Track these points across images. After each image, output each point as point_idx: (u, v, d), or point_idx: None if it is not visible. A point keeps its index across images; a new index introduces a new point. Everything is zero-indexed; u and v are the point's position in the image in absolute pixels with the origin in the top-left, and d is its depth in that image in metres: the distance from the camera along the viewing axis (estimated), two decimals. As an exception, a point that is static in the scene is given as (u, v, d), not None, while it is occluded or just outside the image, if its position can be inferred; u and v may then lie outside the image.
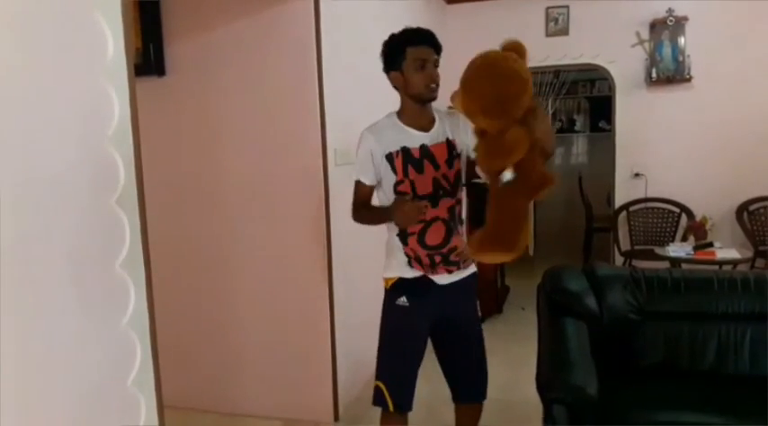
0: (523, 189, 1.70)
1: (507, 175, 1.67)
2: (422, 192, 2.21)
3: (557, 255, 6.09)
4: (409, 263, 2.29)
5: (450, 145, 2.25)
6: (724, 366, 2.70)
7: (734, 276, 2.93)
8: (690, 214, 5.18)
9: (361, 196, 2.30)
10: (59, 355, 1.38)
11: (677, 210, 5.30)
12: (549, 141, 1.74)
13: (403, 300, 2.29)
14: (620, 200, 5.52)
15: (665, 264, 4.21)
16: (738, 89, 5.10)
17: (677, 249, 4.51)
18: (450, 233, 2.26)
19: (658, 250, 4.67)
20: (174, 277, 3.01)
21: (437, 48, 2.22)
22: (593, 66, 5.63)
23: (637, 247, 5.41)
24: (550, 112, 7.76)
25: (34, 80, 1.30)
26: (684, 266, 4.20)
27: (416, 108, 2.24)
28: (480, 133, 1.72)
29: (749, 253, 4.60)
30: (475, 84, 1.67)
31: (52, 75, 1.35)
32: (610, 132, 5.97)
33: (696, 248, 4.43)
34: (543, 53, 5.37)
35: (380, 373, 2.35)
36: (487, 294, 4.93)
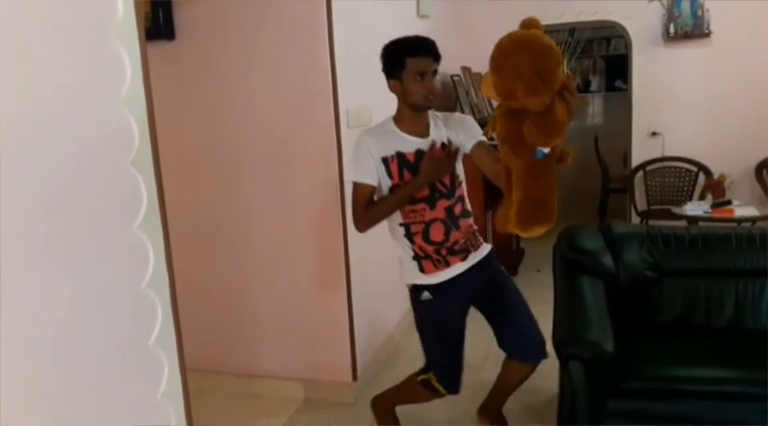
0: (552, 160, 1.74)
1: (544, 150, 1.69)
2: (419, 196, 2.26)
3: (572, 217, 6.01)
4: (420, 268, 2.34)
5: (445, 148, 2.28)
6: (742, 321, 2.70)
7: (752, 232, 2.91)
8: (707, 172, 5.12)
9: (363, 197, 2.28)
10: (81, 315, 1.40)
11: (695, 169, 5.24)
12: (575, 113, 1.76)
13: (426, 295, 2.35)
14: (636, 160, 5.46)
15: (683, 224, 4.18)
16: (758, 43, 4.97)
17: (695, 207, 4.47)
18: (449, 230, 2.31)
19: (675, 209, 4.63)
20: (191, 241, 3.03)
21: (436, 57, 2.23)
22: (608, 23, 5.52)
23: (653, 207, 5.36)
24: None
25: (45, 44, 1.30)
26: (702, 224, 4.16)
27: (413, 114, 2.28)
28: (515, 114, 1.68)
29: (768, 211, 4.55)
30: (511, 64, 1.63)
31: (63, 38, 1.34)
32: (626, 92, 5.87)
33: (714, 206, 4.39)
34: (557, 10, 5.26)
35: (429, 365, 2.46)
36: (502, 257, 4.89)
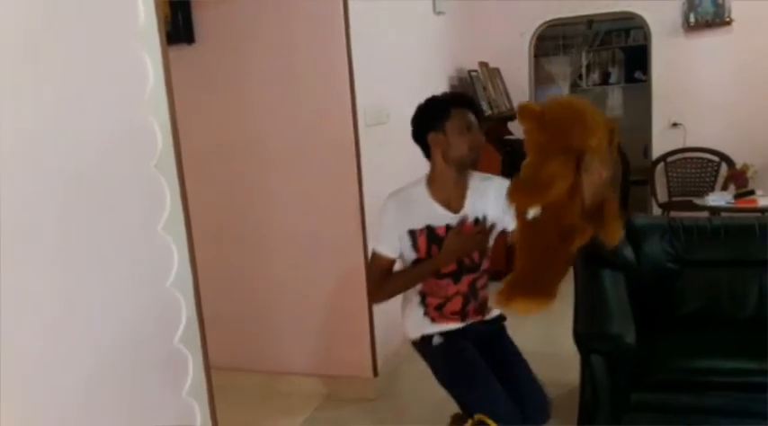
0: (552, 231, 1.55)
1: (531, 212, 1.53)
2: (444, 270, 2.08)
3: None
4: (431, 320, 2.16)
5: (478, 223, 2.08)
6: (765, 312, 2.66)
7: (776, 222, 2.87)
8: (730, 162, 5.05)
9: (380, 269, 2.10)
10: (108, 315, 1.44)
11: (716, 159, 5.18)
12: (593, 195, 1.51)
13: (437, 339, 2.13)
14: (657, 152, 5.40)
15: (705, 215, 4.13)
16: (780, 31, 4.89)
17: (717, 198, 4.42)
18: (467, 302, 2.14)
19: (697, 200, 4.58)
20: (213, 241, 3.08)
21: (480, 115, 2.12)
22: (627, 14, 5.46)
23: (675, 198, 5.31)
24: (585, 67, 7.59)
25: (69, 50, 1.33)
26: (724, 215, 4.12)
27: (451, 175, 2.07)
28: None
29: (793, 200, 4.48)
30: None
31: (86, 44, 1.38)
32: (645, 83, 5.81)
33: (737, 196, 4.33)
34: (575, 3, 5.22)
35: (471, 410, 2.01)
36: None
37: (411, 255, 2.09)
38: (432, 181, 2.10)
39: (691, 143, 5.26)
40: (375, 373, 3.13)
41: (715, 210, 4.25)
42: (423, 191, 2.09)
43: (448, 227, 2.05)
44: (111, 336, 1.44)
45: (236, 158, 3.15)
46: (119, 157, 1.46)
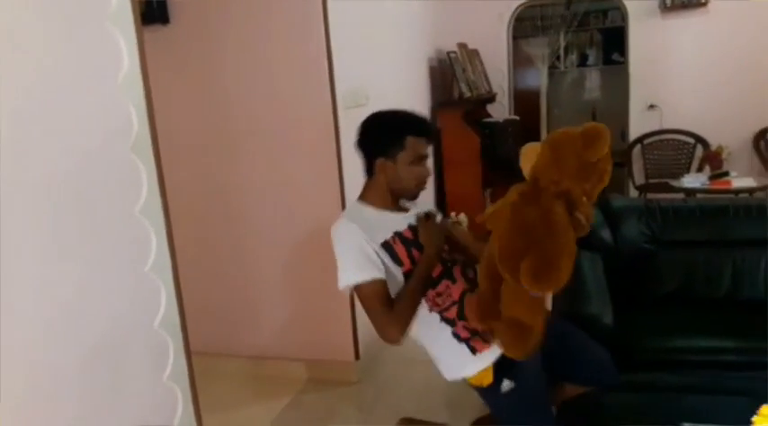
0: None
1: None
2: (435, 274, 1.92)
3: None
4: (472, 350, 1.87)
5: (428, 215, 2.03)
6: (740, 292, 2.72)
7: (749, 203, 2.92)
8: (705, 144, 5.12)
9: (379, 296, 1.82)
10: (87, 300, 1.42)
11: (692, 141, 5.24)
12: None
13: (506, 384, 1.86)
14: (634, 134, 5.46)
15: (681, 197, 4.20)
16: (755, 12, 4.94)
17: (692, 180, 4.48)
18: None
19: (673, 182, 4.64)
20: (193, 226, 3.04)
21: (432, 139, 2.02)
22: (605, -5, 5.48)
23: (651, 180, 5.38)
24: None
25: (40, 30, 1.30)
26: (700, 196, 4.18)
27: (390, 196, 1.98)
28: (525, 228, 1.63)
29: (766, 181, 4.56)
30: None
31: (58, 24, 1.34)
32: (623, 65, 5.84)
33: (711, 178, 4.40)
34: (553, -16, 5.21)
35: None
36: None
37: (397, 273, 1.89)
38: (371, 201, 1.98)
39: (667, 125, 5.31)
40: (357, 356, 3.13)
41: (690, 192, 4.31)
42: (369, 209, 1.96)
43: (410, 227, 1.96)
44: (90, 321, 1.42)
45: (213, 141, 3.11)
46: (94, 140, 1.43)
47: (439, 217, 2.09)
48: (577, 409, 2.43)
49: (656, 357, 2.37)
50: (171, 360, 1.69)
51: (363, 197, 2.02)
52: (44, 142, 1.30)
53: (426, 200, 4.66)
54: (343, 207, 2.98)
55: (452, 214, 4.63)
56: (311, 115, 2.93)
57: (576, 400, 2.36)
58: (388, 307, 1.81)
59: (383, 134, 1.93)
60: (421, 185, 1.97)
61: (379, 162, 1.92)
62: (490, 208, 1.78)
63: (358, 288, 1.84)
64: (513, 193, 1.71)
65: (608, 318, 2.35)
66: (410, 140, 1.89)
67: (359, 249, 1.84)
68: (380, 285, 1.82)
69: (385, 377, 3.13)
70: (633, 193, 5.38)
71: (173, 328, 1.71)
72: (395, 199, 2.00)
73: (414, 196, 2.01)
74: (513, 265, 1.58)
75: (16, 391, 1.24)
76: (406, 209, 2.03)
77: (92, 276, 1.43)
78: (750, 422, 1.36)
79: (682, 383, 2.33)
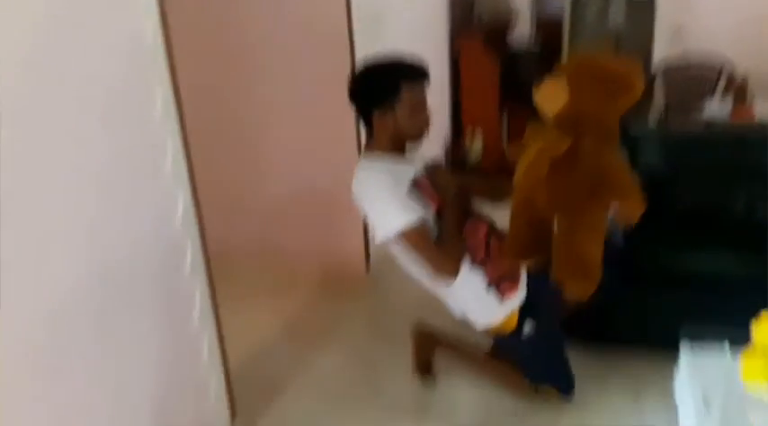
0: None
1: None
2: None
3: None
4: (501, 295, 1.91)
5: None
6: (751, 218, 2.72)
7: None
8: (731, 73, 4.99)
9: (428, 235, 1.80)
10: (110, 205, 1.47)
11: (717, 70, 5.10)
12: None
13: (528, 328, 1.93)
14: (657, 62, 5.32)
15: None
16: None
17: (714, 109, 4.40)
18: (489, 235, 1.97)
19: (695, 111, 4.56)
20: (211, 129, 3.04)
21: (429, 80, 1.88)
22: None
23: (672, 110, 5.28)
24: None
25: None
26: (720, 124, 4.11)
27: (395, 145, 1.88)
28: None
29: (790, 111, 4.46)
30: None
31: None
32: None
33: (734, 107, 4.31)
34: None
35: (541, 381, 2.07)
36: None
37: (429, 216, 1.83)
38: (379, 150, 1.90)
39: (692, 55, 5.17)
40: (367, 269, 3.21)
41: (711, 121, 4.24)
42: (381, 162, 1.87)
43: (424, 173, 1.93)
44: (109, 222, 1.47)
45: (230, 45, 3.08)
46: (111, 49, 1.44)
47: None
48: (584, 319, 2.51)
49: (662, 272, 2.42)
50: (189, 258, 1.76)
51: (370, 150, 1.90)
52: (66, 50, 1.31)
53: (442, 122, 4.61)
54: (358, 124, 2.98)
55: (468, 130, 4.62)
56: (327, 30, 2.89)
57: (582, 312, 2.43)
58: (439, 245, 1.79)
59: (376, 84, 1.82)
60: (423, 132, 1.88)
61: (376, 115, 1.82)
62: (521, 159, 1.80)
63: (407, 232, 1.74)
64: (541, 142, 1.72)
65: (617, 235, 2.38)
66: (405, 88, 1.79)
67: (398, 194, 1.77)
68: (426, 225, 1.79)
69: (394, 289, 3.21)
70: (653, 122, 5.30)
71: (190, 229, 1.77)
72: (401, 146, 1.90)
73: (419, 140, 1.91)
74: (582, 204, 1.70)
75: (45, 288, 1.30)
76: (408, 159, 1.95)
77: (109, 177, 1.47)
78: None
79: (686, 298, 2.39)
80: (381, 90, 1.80)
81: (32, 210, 1.26)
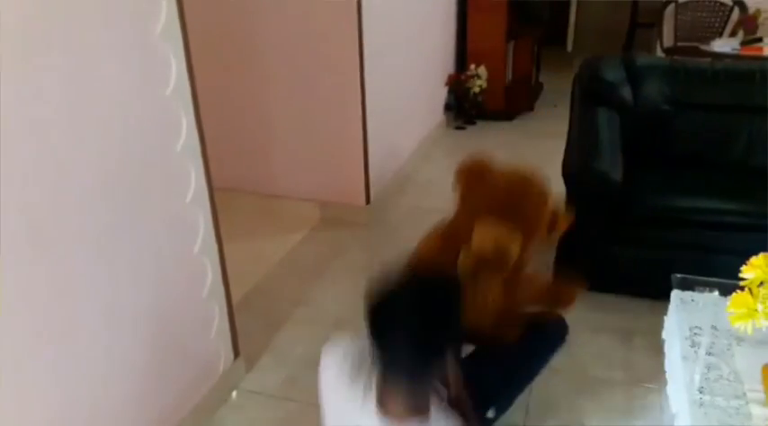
0: None
1: None
2: None
3: (596, 52, 5.88)
4: None
5: None
6: (752, 158, 2.72)
7: (775, 70, 2.83)
8: (743, 6, 4.86)
9: None
10: (109, 118, 1.46)
11: (730, 3, 4.97)
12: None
13: (492, 413, 1.64)
14: (669, -8, 5.17)
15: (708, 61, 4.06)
16: None
17: (723, 44, 4.31)
18: None
19: (703, 46, 4.47)
20: (215, 63, 3.00)
21: None
22: None
23: (681, 44, 5.17)
24: None
25: None
26: (728, 60, 4.04)
27: None
28: None
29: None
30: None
31: None
32: None
33: (743, 43, 4.23)
34: None
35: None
36: (520, 91, 4.88)
37: None
38: None
39: (706, -15, 5.02)
40: (368, 200, 3.24)
41: (719, 57, 4.17)
42: None
43: None
44: (113, 140, 1.47)
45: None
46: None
47: None
48: (579, 259, 2.56)
49: (659, 214, 2.43)
50: (193, 185, 1.77)
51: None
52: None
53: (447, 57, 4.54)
54: (361, 55, 2.92)
55: (472, 66, 4.56)
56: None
57: (575, 252, 2.48)
58: None
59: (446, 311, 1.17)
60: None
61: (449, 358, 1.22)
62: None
63: None
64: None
65: (617, 175, 2.39)
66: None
67: None
68: None
69: (394, 222, 3.25)
70: (661, 56, 5.20)
71: (193, 154, 1.76)
72: None
73: None
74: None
75: (46, 201, 1.32)
76: None
77: (110, 95, 1.45)
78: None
79: (682, 240, 2.43)
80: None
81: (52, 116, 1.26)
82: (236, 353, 2.12)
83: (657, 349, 1.81)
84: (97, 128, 1.41)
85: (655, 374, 1.96)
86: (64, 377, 1.40)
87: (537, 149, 4.15)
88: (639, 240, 2.48)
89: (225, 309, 2.02)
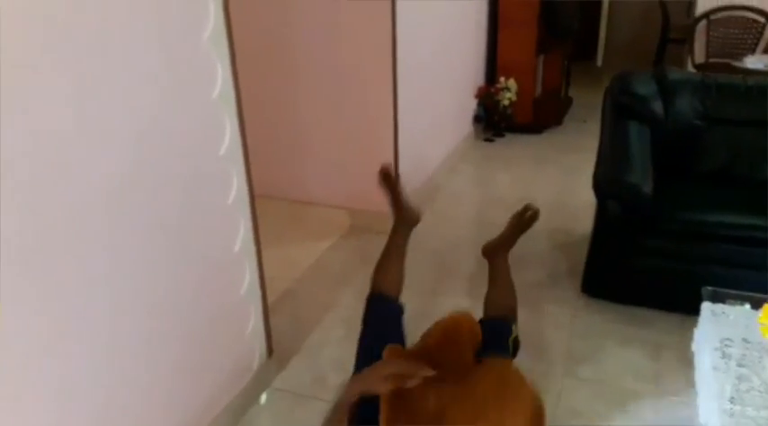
0: None
1: None
2: None
3: (626, 67, 5.87)
4: None
5: None
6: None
7: (808, 88, 2.82)
8: (777, 24, 4.84)
9: None
10: (151, 120, 1.51)
11: (763, 20, 4.95)
12: None
13: None
14: (702, 7, 5.16)
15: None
16: None
17: (755, 61, 4.30)
18: None
19: (735, 62, 4.46)
20: (253, 69, 3.06)
21: None
22: None
23: (712, 60, 5.15)
24: None
25: None
26: (761, 77, 4.03)
27: None
28: None
29: (834, 68, 4.35)
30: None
31: None
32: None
33: (777, 60, 4.21)
34: None
35: None
36: (549, 104, 4.91)
37: None
38: None
39: (738, 0, 5.00)
40: (395, 208, 3.27)
41: (751, 73, 4.15)
42: None
43: None
44: (161, 141, 1.53)
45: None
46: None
47: None
48: (604, 271, 2.57)
49: (688, 228, 2.44)
50: (235, 187, 1.83)
51: None
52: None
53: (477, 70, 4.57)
54: (394, 66, 2.98)
55: (502, 79, 4.60)
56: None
57: (604, 264, 2.49)
58: None
59: None
60: None
61: None
62: None
63: None
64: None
65: (647, 188, 2.41)
66: None
67: None
68: None
69: (421, 231, 3.28)
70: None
71: (236, 157, 1.82)
72: None
73: None
74: None
75: (98, 193, 1.38)
76: None
77: (155, 97, 1.50)
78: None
79: (709, 254, 2.44)
80: None
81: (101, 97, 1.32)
82: (270, 351, 2.18)
83: (686, 363, 1.82)
84: (148, 127, 1.48)
85: (683, 387, 1.98)
86: (106, 370, 1.46)
87: (564, 163, 4.18)
88: (668, 253, 2.49)
89: (260, 308, 2.07)
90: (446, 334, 1.54)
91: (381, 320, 1.79)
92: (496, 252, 2.20)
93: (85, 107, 1.28)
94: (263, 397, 2.13)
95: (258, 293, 2.05)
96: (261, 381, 2.12)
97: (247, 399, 2.06)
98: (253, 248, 1.98)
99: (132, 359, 1.54)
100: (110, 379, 1.47)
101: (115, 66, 1.35)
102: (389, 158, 3.19)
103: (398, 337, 1.71)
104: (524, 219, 2.17)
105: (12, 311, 1.17)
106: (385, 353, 1.45)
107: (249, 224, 1.93)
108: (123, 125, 1.40)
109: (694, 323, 1.79)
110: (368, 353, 1.62)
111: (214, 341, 1.87)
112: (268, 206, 3.29)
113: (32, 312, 1.23)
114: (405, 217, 2.20)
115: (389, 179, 2.17)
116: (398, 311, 1.83)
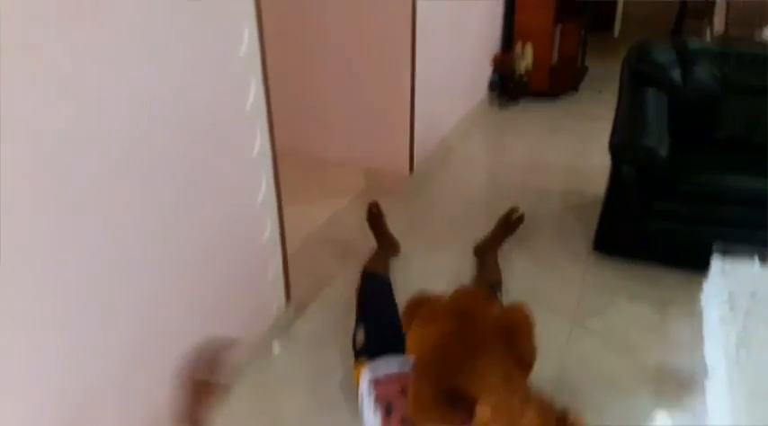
0: None
1: None
2: None
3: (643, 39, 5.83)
4: None
5: None
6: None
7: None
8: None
9: None
10: (183, 75, 1.55)
11: (786, -8, 4.89)
12: None
13: None
14: (723, -22, 5.10)
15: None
16: None
17: (776, 32, 4.26)
18: None
19: (755, 33, 4.42)
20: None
21: None
22: None
23: (732, 31, 5.11)
24: None
25: None
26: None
27: None
28: None
29: None
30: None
31: None
32: None
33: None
34: None
35: None
36: (565, 71, 4.89)
37: None
38: None
39: (761, -29, 4.93)
40: (411, 170, 3.32)
41: (770, 44, 4.13)
42: None
43: None
44: (188, 99, 1.57)
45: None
46: None
47: None
48: (616, 230, 2.62)
49: (702, 190, 2.47)
50: (258, 141, 1.88)
51: None
52: None
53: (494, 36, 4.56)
54: (413, 28, 2.99)
55: (518, 45, 4.59)
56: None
57: (617, 224, 2.53)
58: None
59: None
60: None
61: None
62: None
63: None
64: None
65: (663, 151, 2.43)
66: None
67: None
68: None
69: (435, 192, 3.34)
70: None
71: (260, 113, 1.87)
72: None
73: None
74: None
75: (137, 146, 1.43)
76: None
77: (182, 55, 1.53)
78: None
79: (722, 216, 2.47)
80: None
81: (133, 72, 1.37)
82: (288, 297, 2.26)
83: (693, 318, 1.88)
84: (181, 82, 1.52)
85: (689, 339, 2.03)
86: (147, 309, 1.53)
87: (579, 130, 4.19)
88: (681, 216, 2.52)
89: (280, 258, 2.15)
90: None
91: (375, 291, 2.06)
92: (486, 251, 2.44)
93: (126, 61, 1.33)
94: (283, 339, 2.21)
95: (278, 241, 2.12)
96: (280, 325, 2.21)
97: (268, 340, 2.14)
98: (274, 200, 2.04)
99: (170, 300, 1.62)
100: (150, 314, 1.56)
101: (152, 24, 1.39)
102: (406, 118, 3.22)
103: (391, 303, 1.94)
104: (511, 221, 2.49)
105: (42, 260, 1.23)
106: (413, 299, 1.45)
107: (271, 177, 1.98)
108: (159, 80, 1.44)
109: (702, 281, 1.84)
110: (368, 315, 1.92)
111: (239, 286, 1.94)
112: (287, 163, 3.34)
113: (58, 262, 1.29)
114: (388, 249, 2.49)
115: (376, 216, 2.53)
116: (388, 282, 2.12)
